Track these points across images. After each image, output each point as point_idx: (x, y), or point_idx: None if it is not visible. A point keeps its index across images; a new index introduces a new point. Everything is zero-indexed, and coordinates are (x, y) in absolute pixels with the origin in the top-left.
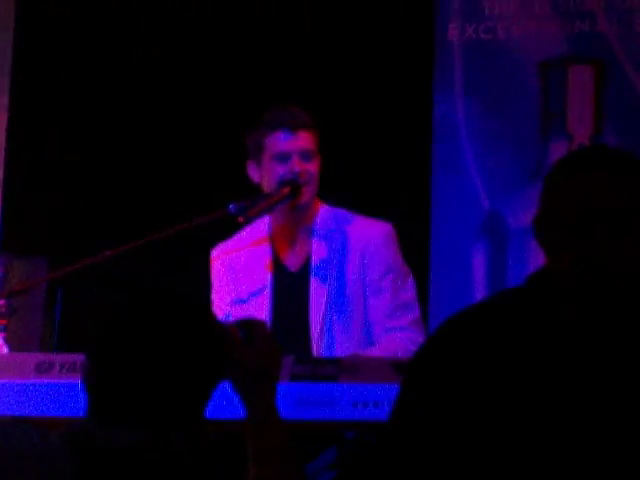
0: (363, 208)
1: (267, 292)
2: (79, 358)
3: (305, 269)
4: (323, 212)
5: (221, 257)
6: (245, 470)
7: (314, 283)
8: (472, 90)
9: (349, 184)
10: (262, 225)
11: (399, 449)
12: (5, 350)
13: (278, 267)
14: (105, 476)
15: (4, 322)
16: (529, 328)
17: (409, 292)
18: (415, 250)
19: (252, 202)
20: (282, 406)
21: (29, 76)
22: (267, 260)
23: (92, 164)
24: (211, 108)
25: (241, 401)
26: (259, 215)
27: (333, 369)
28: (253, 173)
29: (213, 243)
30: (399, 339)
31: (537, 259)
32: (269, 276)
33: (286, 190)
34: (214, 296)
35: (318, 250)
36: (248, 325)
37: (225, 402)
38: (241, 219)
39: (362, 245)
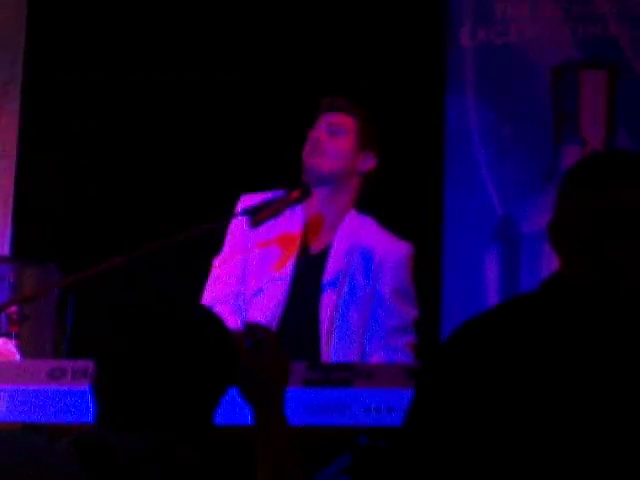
0: (376, 214)
1: (289, 269)
2: (91, 364)
3: (323, 255)
4: (351, 215)
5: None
6: (254, 476)
7: (328, 274)
8: (484, 95)
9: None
10: (298, 215)
11: (413, 455)
12: (17, 357)
13: (303, 250)
14: None
15: (16, 329)
16: (544, 333)
17: (413, 316)
18: (428, 255)
19: (261, 206)
20: (294, 411)
21: (40, 81)
22: (295, 250)
23: (103, 170)
24: (219, 115)
25: (249, 408)
26: (268, 219)
27: (346, 374)
28: None
29: (222, 248)
30: (391, 359)
31: (550, 264)
32: (292, 260)
33: (296, 193)
34: (231, 248)
35: (337, 245)
36: (255, 331)
37: (234, 408)
38: (250, 223)
39: (379, 258)
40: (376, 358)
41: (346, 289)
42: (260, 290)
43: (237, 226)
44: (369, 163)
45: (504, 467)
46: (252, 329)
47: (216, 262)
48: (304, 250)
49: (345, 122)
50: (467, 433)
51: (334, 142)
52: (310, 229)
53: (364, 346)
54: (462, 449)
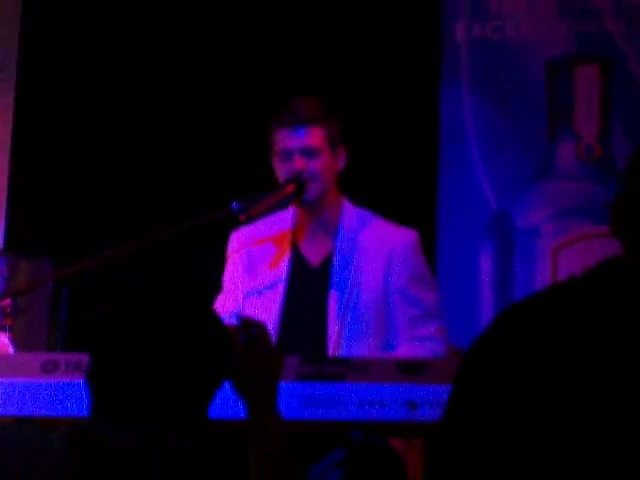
0: (370, 209)
1: (281, 286)
2: (84, 357)
3: (326, 266)
4: (348, 211)
5: (241, 250)
6: (247, 470)
7: (334, 281)
8: (479, 90)
9: (355, 184)
10: (286, 216)
11: (455, 451)
12: (11, 350)
13: (298, 260)
14: (108, 476)
15: (10, 322)
16: (599, 322)
17: (435, 300)
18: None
19: (255, 200)
20: (288, 405)
21: (35, 75)
22: (287, 253)
23: (97, 164)
24: (213, 108)
25: (242, 402)
26: (262, 213)
27: (340, 368)
28: (274, 168)
29: (216, 242)
30: (421, 348)
31: (544, 259)
32: (285, 270)
33: (290, 188)
34: (229, 286)
35: (341, 249)
36: (248, 327)
37: (228, 402)
38: (243, 217)
39: (387, 251)
40: (402, 351)
41: (356, 292)
42: (255, 290)
43: (234, 266)
44: (342, 159)
45: (550, 464)
46: (246, 324)
47: (218, 301)
48: (298, 252)
49: (316, 140)
50: (516, 425)
51: (313, 164)
52: (302, 228)
53: (388, 341)
54: (507, 443)
